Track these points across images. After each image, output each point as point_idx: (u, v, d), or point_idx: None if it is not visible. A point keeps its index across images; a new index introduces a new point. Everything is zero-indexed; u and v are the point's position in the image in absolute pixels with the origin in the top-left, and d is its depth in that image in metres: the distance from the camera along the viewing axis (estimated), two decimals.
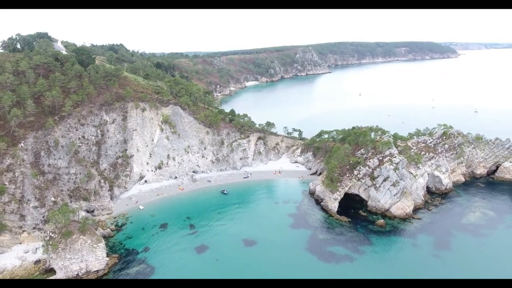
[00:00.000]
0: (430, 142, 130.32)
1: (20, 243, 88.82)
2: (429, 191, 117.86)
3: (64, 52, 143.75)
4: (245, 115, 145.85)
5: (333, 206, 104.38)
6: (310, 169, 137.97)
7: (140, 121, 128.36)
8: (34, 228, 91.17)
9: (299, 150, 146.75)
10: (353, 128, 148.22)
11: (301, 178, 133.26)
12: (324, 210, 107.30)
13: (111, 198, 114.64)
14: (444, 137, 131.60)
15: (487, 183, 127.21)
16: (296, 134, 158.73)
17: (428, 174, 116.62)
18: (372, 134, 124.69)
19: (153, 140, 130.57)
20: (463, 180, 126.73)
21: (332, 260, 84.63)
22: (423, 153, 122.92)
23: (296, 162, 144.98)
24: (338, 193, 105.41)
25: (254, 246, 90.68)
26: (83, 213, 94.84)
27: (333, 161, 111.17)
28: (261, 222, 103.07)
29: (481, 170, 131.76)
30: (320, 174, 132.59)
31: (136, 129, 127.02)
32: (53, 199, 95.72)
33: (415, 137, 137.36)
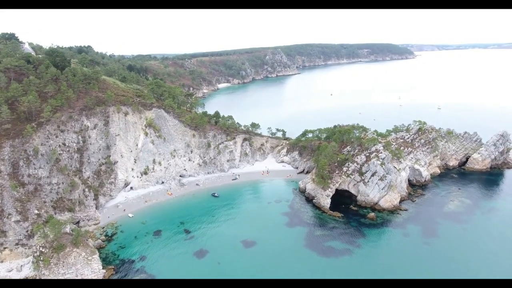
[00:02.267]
0: (408, 138, 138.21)
1: (1, 262, 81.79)
2: (410, 183, 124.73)
3: (34, 54, 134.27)
4: (230, 117, 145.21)
5: (326, 202, 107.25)
6: (297, 168, 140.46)
7: (123, 126, 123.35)
8: (17, 244, 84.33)
9: (284, 150, 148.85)
10: (335, 126, 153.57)
11: (289, 177, 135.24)
12: (317, 207, 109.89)
13: (97, 207, 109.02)
14: (420, 132, 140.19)
15: (460, 173, 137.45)
16: (280, 134, 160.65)
17: (409, 168, 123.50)
18: (356, 132, 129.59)
19: (137, 145, 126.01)
20: (439, 172, 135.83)
21: (332, 254, 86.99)
22: (402, 148, 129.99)
23: (282, 161, 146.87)
24: (329, 189, 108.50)
25: (254, 247, 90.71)
26: (72, 225, 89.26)
27: (323, 159, 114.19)
28: (256, 222, 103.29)
29: (453, 162, 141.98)
30: (307, 172, 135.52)
31: (119, 134, 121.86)
32: (36, 211, 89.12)
33: (392, 133, 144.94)
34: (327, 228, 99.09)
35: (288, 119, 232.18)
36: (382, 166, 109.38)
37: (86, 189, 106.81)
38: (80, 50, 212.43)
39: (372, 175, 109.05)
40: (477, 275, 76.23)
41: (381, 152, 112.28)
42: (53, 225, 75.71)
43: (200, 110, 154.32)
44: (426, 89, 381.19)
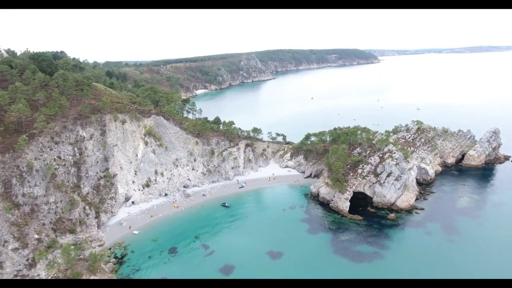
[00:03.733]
0: (409, 137, 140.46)
1: None
2: (417, 182, 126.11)
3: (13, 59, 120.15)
4: (232, 122, 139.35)
5: (345, 206, 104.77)
6: (304, 172, 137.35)
7: (121, 135, 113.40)
8: (15, 275, 72.57)
9: (288, 155, 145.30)
10: (335, 129, 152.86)
11: (297, 182, 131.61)
12: (334, 211, 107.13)
13: (99, 226, 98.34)
14: (419, 131, 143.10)
15: (459, 170, 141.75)
16: (280, 139, 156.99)
17: (416, 167, 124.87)
18: (362, 134, 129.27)
19: (137, 156, 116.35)
20: (440, 169, 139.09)
21: (364, 259, 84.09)
22: (405, 147, 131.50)
23: (287, 166, 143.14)
24: (347, 192, 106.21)
25: (282, 258, 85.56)
26: (88, 247, 78.87)
27: (337, 161, 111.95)
28: (277, 231, 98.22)
29: (450, 159, 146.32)
30: (315, 176, 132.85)
31: (116, 144, 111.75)
32: (36, 236, 77.73)
33: (391, 133, 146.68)
34: (351, 232, 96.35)
35: (278, 123, 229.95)
36: (396, 166, 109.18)
37: (87, 207, 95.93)
38: (55, 56, 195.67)
39: (388, 175, 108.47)
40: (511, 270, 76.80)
41: (394, 152, 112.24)
42: (66, 251, 65.80)
43: (197, 116, 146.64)
44: (401, 91, 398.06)
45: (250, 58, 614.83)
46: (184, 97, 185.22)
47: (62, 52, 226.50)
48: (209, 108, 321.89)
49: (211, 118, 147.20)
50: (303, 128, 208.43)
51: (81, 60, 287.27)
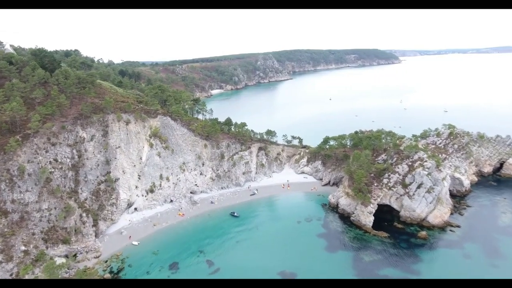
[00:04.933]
0: (440, 143, 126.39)
1: None
2: (450, 194, 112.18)
3: (16, 55, 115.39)
4: (244, 124, 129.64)
5: (368, 220, 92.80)
6: (321, 179, 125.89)
7: (124, 137, 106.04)
8: None
9: (304, 160, 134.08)
10: (356, 132, 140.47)
11: (313, 190, 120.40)
12: (356, 225, 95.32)
13: (96, 235, 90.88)
14: (452, 137, 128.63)
15: (497, 180, 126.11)
16: (296, 142, 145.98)
17: (449, 177, 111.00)
18: (387, 138, 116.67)
19: (141, 159, 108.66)
20: (476, 180, 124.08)
21: None
22: (436, 154, 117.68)
23: (302, 172, 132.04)
24: (371, 205, 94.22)
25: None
26: (72, 263, 71.13)
27: (359, 169, 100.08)
28: (291, 248, 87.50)
29: (487, 168, 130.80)
30: (334, 184, 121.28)
31: (119, 146, 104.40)
32: (23, 247, 70.67)
33: (420, 138, 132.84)
34: (375, 252, 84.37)
35: (294, 125, 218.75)
36: (428, 177, 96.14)
37: (84, 214, 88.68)
38: (68, 54, 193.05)
39: (418, 187, 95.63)
40: None
41: (425, 161, 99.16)
42: (48, 269, 57.80)
43: (207, 117, 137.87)
44: (425, 92, 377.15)
45: (267, 58, 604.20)
46: (195, 97, 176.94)
47: (75, 50, 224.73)
48: (223, 108, 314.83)
49: (224, 118, 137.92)
50: (321, 131, 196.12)
51: (96, 59, 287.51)
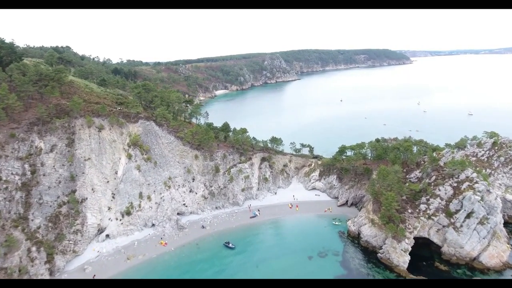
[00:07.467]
0: (482, 155, 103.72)
1: None
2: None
3: None
4: (244, 130, 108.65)
5: (402, 260, 70.96)
6: (337, 198, 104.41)
7: (96, 146, 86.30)
8: None
9: (316, 173, 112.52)
10: (378, 140, 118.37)
11: (327, 211, 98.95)
12: (385, 264, 73.62)
13: (51, 273, 71.07)
14: (496, 147, 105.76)
15: None
16: (306, 151, 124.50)
17: (499, 199, 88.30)
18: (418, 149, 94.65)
19: (116, 173, 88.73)
20: None
21: None
22: (481, 169, 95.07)
23: (314, 188, 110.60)
24: (407, 240, 72.29)
25: None
26: None
27: (387, 191, 78.26)
28: None
29: None
30: (353, 205, 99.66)
31: (89, 158, 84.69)
32: None
33: (456, 149, 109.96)
34: None
35: (303, 130, 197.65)
36: (480, 203, 73.90)
37: (33, 248, 68.95)
38: (56, 50, 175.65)
39: (468, 216, 73.49)
40: None
41: (476, 182, 76.79)
42: None
43: (203, 121, 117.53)
44: (444, 93, 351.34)
45: (274, 57, 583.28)
46: (187, 98, 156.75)
47: (66, 47, 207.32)
48: (225, 109, 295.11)
49: (223, 122, 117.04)
50: (333, 137, 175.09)
51: (91, 56, 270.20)
